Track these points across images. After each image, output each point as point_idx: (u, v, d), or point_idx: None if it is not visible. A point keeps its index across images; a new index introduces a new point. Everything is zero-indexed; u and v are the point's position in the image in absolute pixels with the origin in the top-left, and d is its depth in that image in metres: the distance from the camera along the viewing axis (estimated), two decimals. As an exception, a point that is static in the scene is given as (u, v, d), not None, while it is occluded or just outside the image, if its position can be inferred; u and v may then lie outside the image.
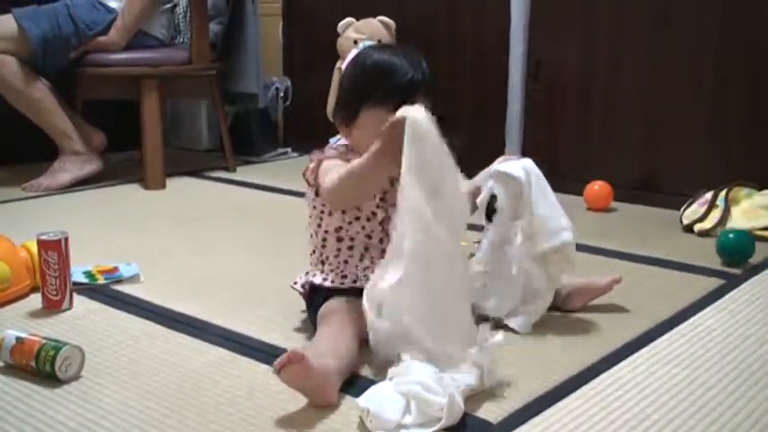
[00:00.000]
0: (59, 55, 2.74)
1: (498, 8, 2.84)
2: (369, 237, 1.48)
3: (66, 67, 2.79)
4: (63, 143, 2.80)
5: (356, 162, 1.37)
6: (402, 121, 1.26)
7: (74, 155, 2.81)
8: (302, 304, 1.53)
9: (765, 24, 2.36)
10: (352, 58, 1.57)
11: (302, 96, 3.43)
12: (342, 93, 1.54)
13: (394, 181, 1.47)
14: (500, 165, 1.54)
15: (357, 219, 1.47)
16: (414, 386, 1.15)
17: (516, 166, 1.52)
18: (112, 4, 2.83)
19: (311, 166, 1.48)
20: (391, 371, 1.22)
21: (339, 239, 1.48)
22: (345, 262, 1.48)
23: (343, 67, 2.75)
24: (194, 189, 2.87)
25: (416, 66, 1.46)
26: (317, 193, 1.47)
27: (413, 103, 1.39)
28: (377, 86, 1.45)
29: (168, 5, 2.95)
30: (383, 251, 1.45)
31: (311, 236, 1.52)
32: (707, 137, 2.50)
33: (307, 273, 1.52)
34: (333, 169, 1.43)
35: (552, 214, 1.50)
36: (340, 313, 1.38)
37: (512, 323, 1.50)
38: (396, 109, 1.37)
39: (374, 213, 1.47)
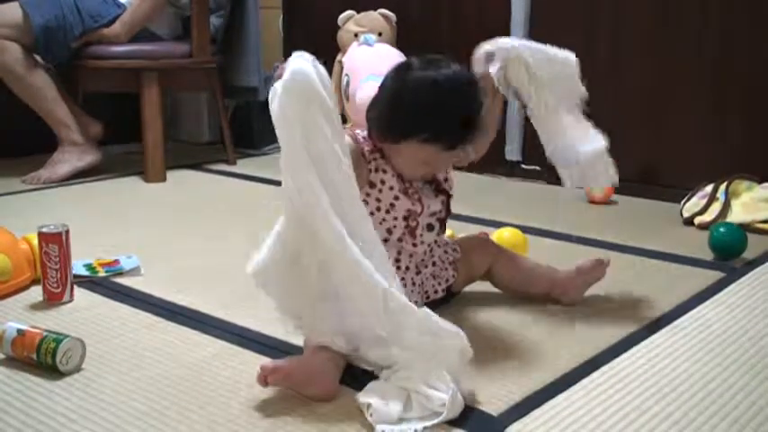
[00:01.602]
0: (62, 45, 2.73)
1: (499, 2, 2.84)
2: (389, 232, 1.43)
3: (68, 58, 2.78)
4: (61, 133, 2.80)
5: None
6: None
7: (72, 145, 2.80)
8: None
9: (766, 15, 2.37)
10: (401, 70, 1.40)
11: (303, 89, 3.43)
12: (384, 106, 1.39)
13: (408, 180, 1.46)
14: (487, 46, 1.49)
15: (378, 210, 1.42)
16: (417, 382, 1.16)
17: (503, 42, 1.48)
18: None
19: None
20: (385, 371, 1.22)
21: None
22: None
23: (344, 60, 2.75)
24: (195, 182, 2.87)
25: (474, 97, 1.37)
26: None
27: (469, 141, 1.37)
28: (431, 123, 1.34)
29: (180, 8, 2.93)
30: (399, 253, 1.43)
31: None
32: (707, 129, 2.50)
33: None
34: None
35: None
36: None
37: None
38: (449, 149, 1.35)
39: (392, 205, 1.42)
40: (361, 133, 1.44)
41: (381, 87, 1.42)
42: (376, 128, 1.41)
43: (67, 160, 2.79)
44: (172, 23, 2.93)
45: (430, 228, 1.46)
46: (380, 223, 1.42)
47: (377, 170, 1.41)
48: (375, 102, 1.42)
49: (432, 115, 1.34)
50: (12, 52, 2.67)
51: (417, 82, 1.36)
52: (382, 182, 1.41)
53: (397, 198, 1.41)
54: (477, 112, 1.37)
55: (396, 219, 1.42)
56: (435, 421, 1.12)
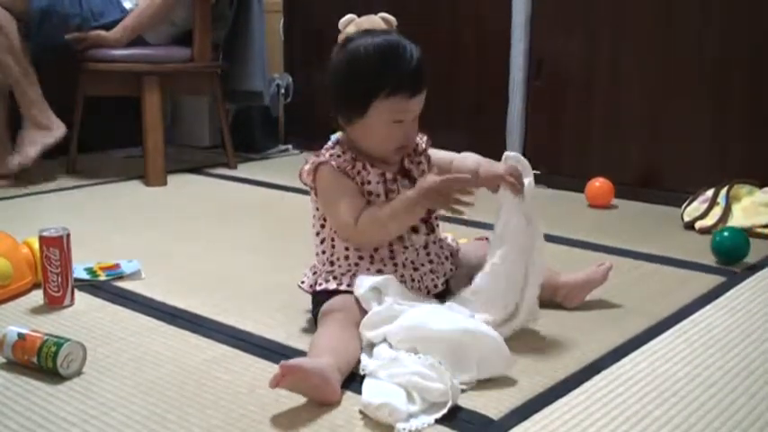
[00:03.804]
0: (55, 31, 2.71)
1: (500, 6, 2.84)
2: None
3: (61, 51, 2.76)
4: (29, 111, 2.75)
5: (401, 201, 1.38)
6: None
7: (36, 128, 2.76)
8: (304, 301, 1.52)
9: (766, 15, 2.37)
10: (342, 50, 1.47)
11: (303, 93, 3.43)
12: (340, 88, 1.45)
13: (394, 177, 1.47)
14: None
15: None
16: (412, 377, 1.17)
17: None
18: (127, 5, 2.82)
19: (306, 167, 1.47)
20: (371, 365, 1.24)
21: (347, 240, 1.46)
22: (356, 264, 1.45)
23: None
24: (195, 186, 2.87)
25: (412, 44, 1.44)
26: (316, 194, 1.47)
27: (424, 85, 1.41)
28: (390, 75, 1.40)
29: (176, 25, 2.92)
30: (392, 252, 1.45)
31: (317, 234, 1.50)
32: (708, 134, 2.50)
33: (314, 272, 1.49)
34: (352, 205, 1.40)
35: None
36: (341, 311, 1.37)
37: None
38: (413, 94, 1.40)
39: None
40: (336, 151, 1.46)
41: (329, 74, 1.47)
42: (342, 112, 1.45)
43: (34, 141, 2.75)
44: (163, 35, 2.91)
45: (414, 231, 1.48)
46: None
47: (362, 183, 1.45)
48: (329, 88, 1.48)
49: (387, 65, 1.40)
50: (4, 18, 2.64)
51: (361, 47, 1.43)
52: (369, 193, 1.44)
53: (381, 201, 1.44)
54: (420, 56, 1.43)
55: None
56: (443, 412, 1.14)
